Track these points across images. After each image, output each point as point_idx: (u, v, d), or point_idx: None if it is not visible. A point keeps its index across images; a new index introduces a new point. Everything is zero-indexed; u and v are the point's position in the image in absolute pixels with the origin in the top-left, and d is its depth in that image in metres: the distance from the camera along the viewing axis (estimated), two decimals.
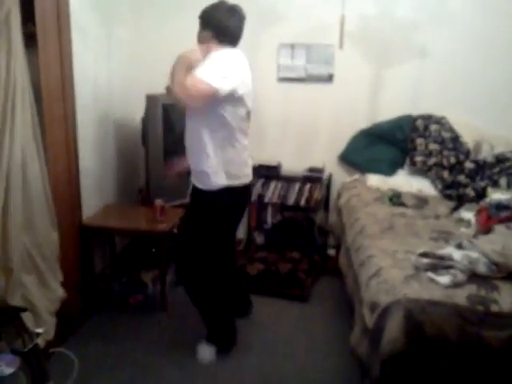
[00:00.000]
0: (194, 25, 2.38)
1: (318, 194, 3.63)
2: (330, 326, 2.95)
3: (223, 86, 2.13)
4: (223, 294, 2.66)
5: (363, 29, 3.53)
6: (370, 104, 3.68)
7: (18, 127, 2.24)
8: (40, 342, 1.63)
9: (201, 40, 2.36)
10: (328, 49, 3.59)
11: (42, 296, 2.41)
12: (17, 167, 2.26)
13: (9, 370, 1.35)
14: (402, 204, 3.09)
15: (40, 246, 2.42)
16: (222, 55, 2.23)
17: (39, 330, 1.58)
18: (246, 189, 2.51)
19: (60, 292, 2.55)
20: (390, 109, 3.63)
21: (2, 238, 2.21)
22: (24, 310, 1.80)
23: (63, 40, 2.63)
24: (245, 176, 2.47)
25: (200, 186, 2.41)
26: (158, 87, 3.24)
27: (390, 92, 3.63)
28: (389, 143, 3.63)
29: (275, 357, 2.66)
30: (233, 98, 2.23)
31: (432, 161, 3.44)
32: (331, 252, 3.82)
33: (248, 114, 2.43)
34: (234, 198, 2.44)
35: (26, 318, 1.85)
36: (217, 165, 2.32)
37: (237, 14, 2.31)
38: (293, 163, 3.80)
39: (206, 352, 2.62)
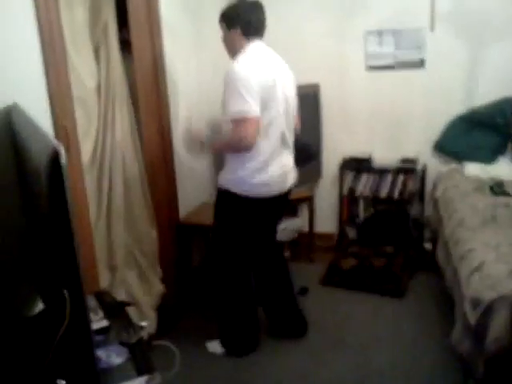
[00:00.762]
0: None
1: (412, 186, 3.50)
2: (428, 323, 2.83)
3: (255, 108, 2.15)
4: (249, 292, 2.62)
5: (456, 7, 3.32)
6: (466, 88, 3.48)
7: (118, 130, 2.39)
8: (144, 334, 1.72)
9: (228, 41, 2.38)
10: (418, 32, 3.43)
11: (143, 291, 2.56)
12: (118, 168, 2.41)
13: (118, 360, 1.44)
14: (506, 193, 2.90)
15: (141, 243, 2.56)
16: (238, 70, 2.21)
17: (143, 323, 1.67)
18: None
19: (159, 287, 2.68)
20: (488, 92, 3.40)
21: (107, 237, 2.37)
22: (129, 304, 1.91)
23: (156, 43, 2.76)
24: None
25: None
26: None
27: (489, 74, 3.40)
28: (488, 129, 3.41)
29: (372, 353, 2.60)
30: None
31: None
32: (427, 246, 3.66)
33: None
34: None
35: (131, 312, 1.96)
36: None
37: (258, 8, 2.34)
38: (385, 154, 3.69)
39: (215, 347, 2.65)
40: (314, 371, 2.49)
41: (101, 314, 1.59)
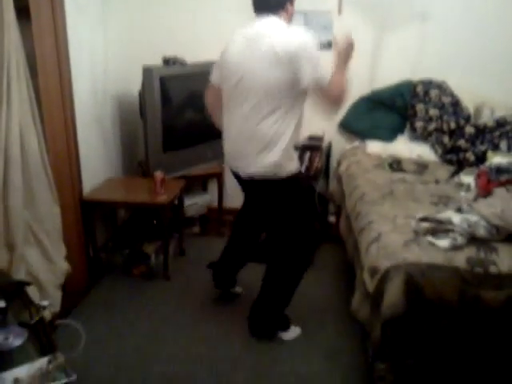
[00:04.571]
0: None
1: (317, 162, 3.61)
2: (332, 292, 3.00)
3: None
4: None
5: None
6: (369, 70, 3.63)
7: (14, 102, 2.22)
8: (46, 314, 1.66)
9: None
10: (326, 15, 3.51)
11: (46, 270, 2.43)
12: (15, 142, 2.25)
13: (17, 342, 1.39)
14: (402, 170, 3.09)
15: (42, 220, 2.43)
16: None
17: (44, 303, 1.61)
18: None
19: (64, 265, 2.58)
20: (389, 75, 3.59)
21: (4, 214, 2.22)
22: (28, 284, 1.82)
23: (57, 12, 2.58)
24: None
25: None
26: (156, 58, 3.20)
27: (390, 57, 3.58)
28: (389, 109, 3.60)
29: None
30: None
31: (432, 126, 3.42)
32: (332, 219, 3.85)
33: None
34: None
35: (32, 292, 1.87)
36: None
37: None
38: None
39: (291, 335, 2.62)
40: (217, 335, 2.54)
41: None
